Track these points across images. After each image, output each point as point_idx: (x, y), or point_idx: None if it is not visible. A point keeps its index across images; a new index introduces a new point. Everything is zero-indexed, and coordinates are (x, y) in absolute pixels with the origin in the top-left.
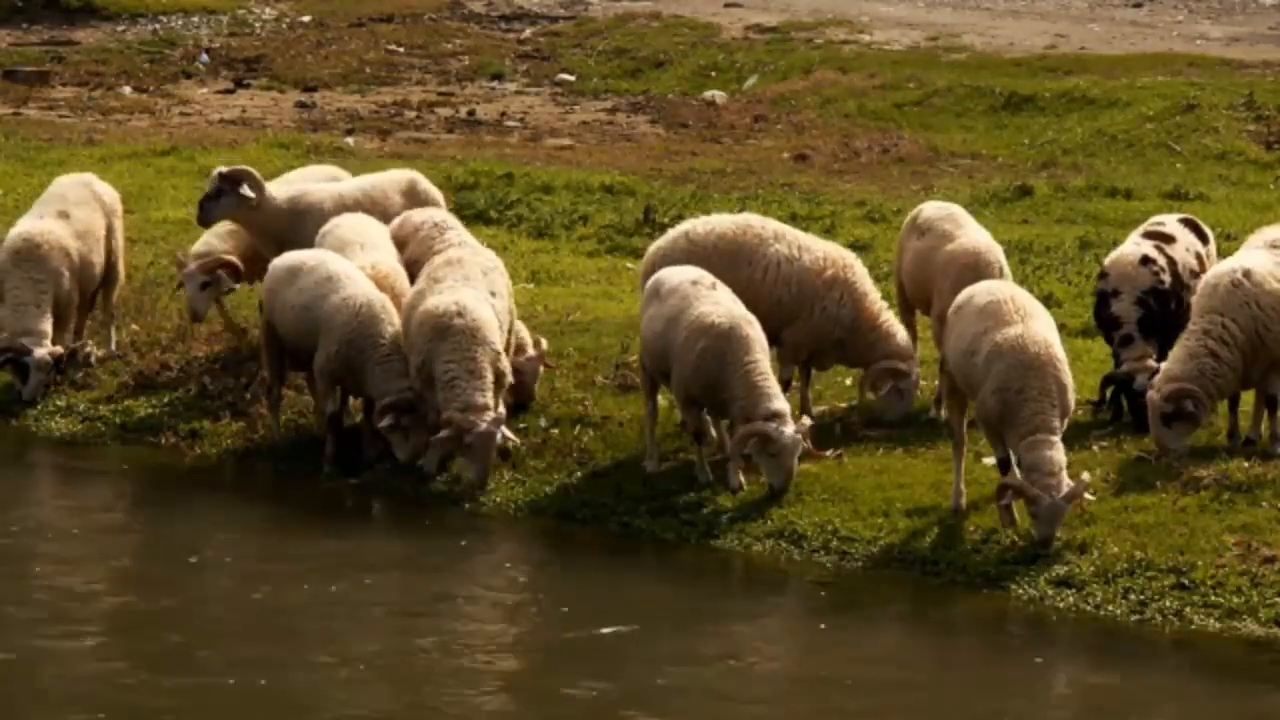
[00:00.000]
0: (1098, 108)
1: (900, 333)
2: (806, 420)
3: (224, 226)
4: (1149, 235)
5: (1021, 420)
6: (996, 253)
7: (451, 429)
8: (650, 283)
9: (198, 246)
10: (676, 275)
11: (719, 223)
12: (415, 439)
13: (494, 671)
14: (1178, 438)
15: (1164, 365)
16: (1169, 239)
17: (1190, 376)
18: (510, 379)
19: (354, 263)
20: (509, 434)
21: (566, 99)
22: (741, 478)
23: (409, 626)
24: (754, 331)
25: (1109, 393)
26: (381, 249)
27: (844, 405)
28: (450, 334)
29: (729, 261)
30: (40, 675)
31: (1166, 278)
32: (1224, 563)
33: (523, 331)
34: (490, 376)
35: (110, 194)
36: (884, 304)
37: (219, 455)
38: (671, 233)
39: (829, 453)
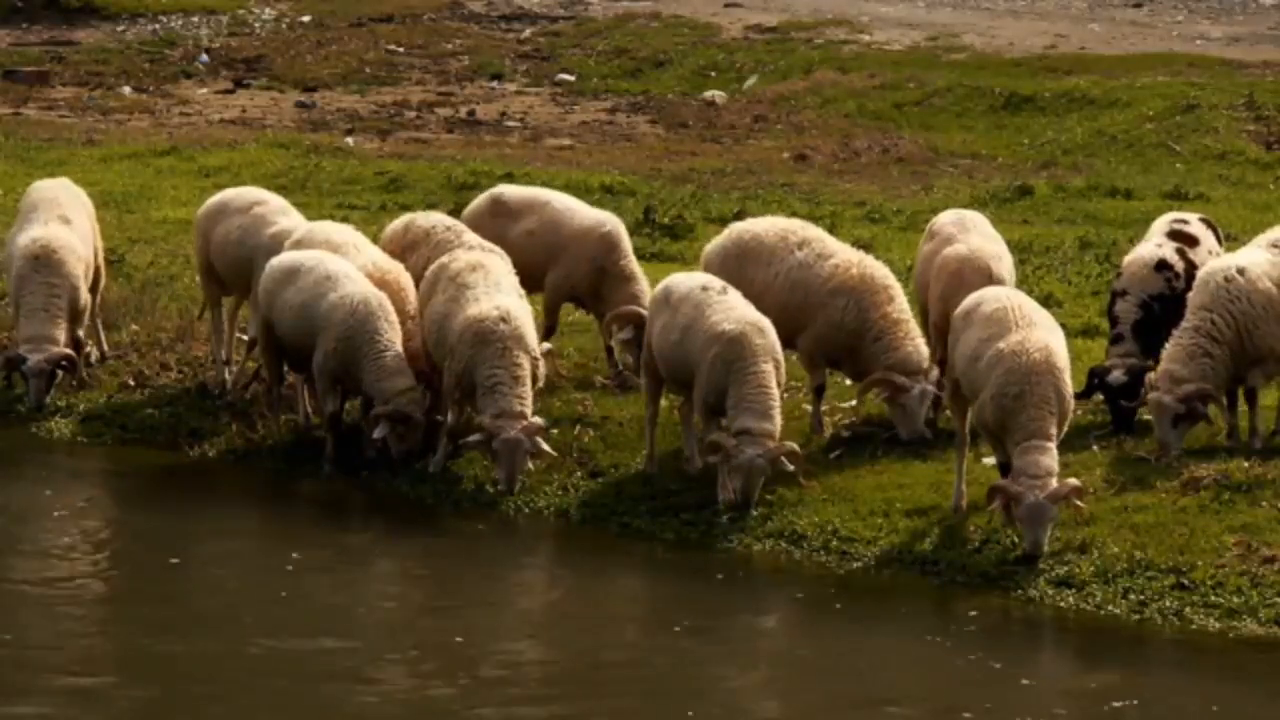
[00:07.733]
0: (1098, 108)
1: (908, 347)
2: (792, 444)
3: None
4: (1174, 235)
5: (1019, 426)
6: (985, 259)
7: (482, 434)
8: (658, 290)
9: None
10: (685, 283)
11: (759, 224)
12: (409, 438)
13: (493, 672)
14: (1181, 437)
15: (1163, 366)
16: (1193, 241)
17: (1198, 376)
18: (542, 382)
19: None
20: (544, 445)
21: (566, 99)
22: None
23: (407, 625)
24: (763, 340)
25: (1095, 383)
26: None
27: (845, 406)
28: (494, 340)
29: (752, 262)
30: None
31: (1179, 284)
32: (1224, 563)
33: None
34: (530, 383)
35: (85, 196)
36: (903, 318)
37: (219, 455)
38: (726, 229)
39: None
